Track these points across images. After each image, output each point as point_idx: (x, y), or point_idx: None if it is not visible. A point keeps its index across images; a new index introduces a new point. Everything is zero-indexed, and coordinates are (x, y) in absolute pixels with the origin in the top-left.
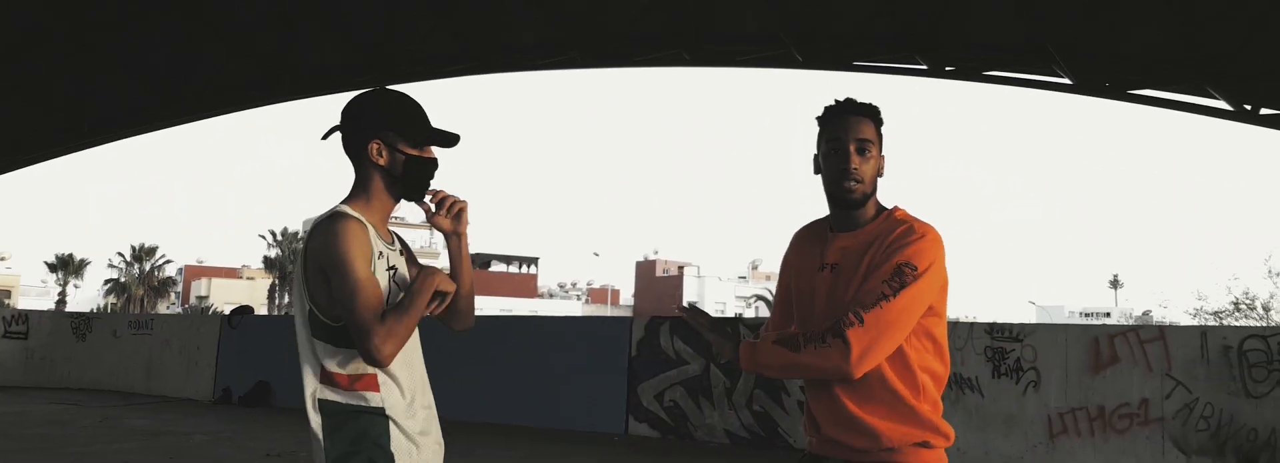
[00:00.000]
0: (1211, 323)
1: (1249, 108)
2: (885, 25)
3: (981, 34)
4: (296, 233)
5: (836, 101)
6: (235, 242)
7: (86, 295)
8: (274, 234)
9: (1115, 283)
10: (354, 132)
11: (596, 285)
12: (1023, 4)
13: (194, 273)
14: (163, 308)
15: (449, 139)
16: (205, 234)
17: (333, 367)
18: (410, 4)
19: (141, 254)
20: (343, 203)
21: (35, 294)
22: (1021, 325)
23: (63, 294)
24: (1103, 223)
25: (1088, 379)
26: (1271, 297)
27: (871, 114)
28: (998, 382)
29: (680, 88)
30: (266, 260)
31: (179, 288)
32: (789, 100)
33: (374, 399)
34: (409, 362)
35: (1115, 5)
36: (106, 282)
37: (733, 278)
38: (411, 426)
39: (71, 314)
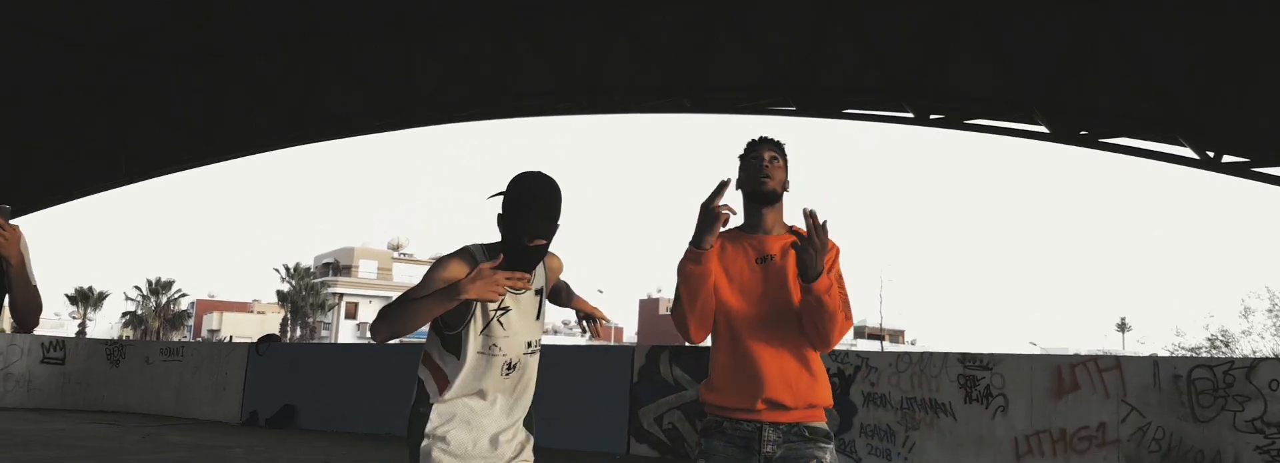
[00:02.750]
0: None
1: (1212, 156)
2: (873, 77)
3: (964, 85)
4: (309, 268)
5: (752, 139)
6: (249, 276)
7: (102, 328)
8: (287, 268)
9: (1123, 326)
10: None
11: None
12: (1000, 59)
13: (206, 307)
14: (177, 340)
15: (528, 235)
16: (220, 269)
17: (437, 360)
18: (425, 55)
19: (158, 288)
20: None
21: (50, 326)
22: (991, 355)
23: (82, 327)
24: (1107, 267)
25: (1051, 404)
26: (1244, 333)
27: (777, 146)
28: (969, 407)
29: (682, 132)
30: (279, 294)
31: (191, 321)
32: (788, 144)
33: (433, 395)
34: (492, 401)
35: (1089, 60)
36: (124, 315)
37: None
38: (457, 435)
39: (107, 341)
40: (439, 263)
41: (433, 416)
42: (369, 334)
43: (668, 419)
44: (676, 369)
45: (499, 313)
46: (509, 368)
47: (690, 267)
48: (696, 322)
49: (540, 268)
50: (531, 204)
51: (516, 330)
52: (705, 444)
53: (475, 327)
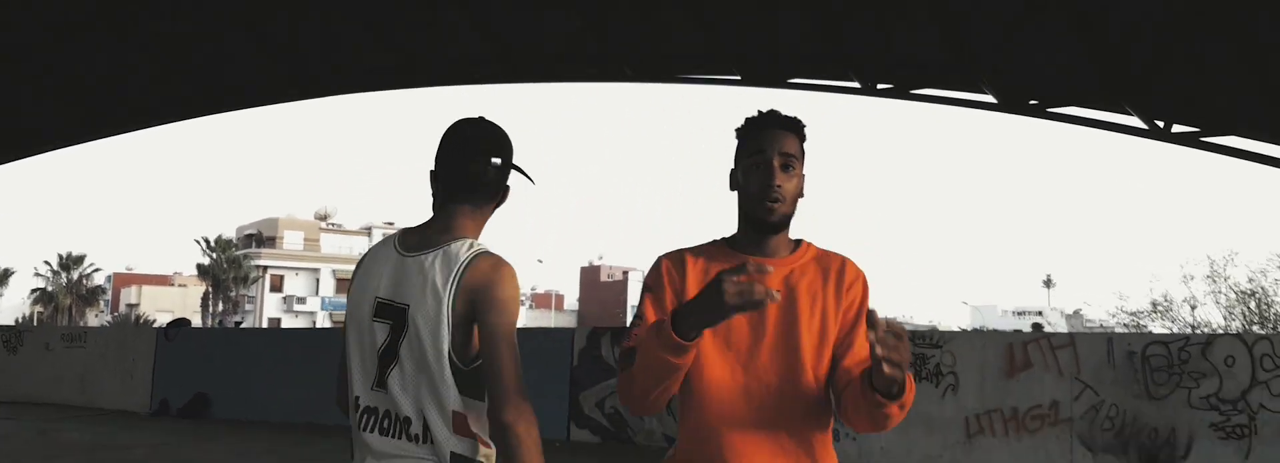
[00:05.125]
0: (1127, 327)
1: (1161, 125)
2: (819, 45)
3: (911, 53)
4: (230, 241)
5: (760, 113)
6: (166, 249)
7: (10, 304)
8: (207, 241)
9: (1048, 282)
10: (510, 161)
11: (541, 291)
12: (948, 25)
13: (123, 281)
14: (92, 317)
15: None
16: (137, 242)
17: (462, 407)
18: (341, 18)
19: (69, 263)
20: (472, 237)
21: None
22: (942, 333)
23: None
24: (1036, 228)
25: (1002, 383)
26: (1185, 300)
27: (796, 128)
28: (919, 386)
29: (618, 99)
30: (200, 268)
31: (108, 296)
32: (726, 112)
33: (485, 455)
34: None
35: (1035, 30)
36: (33, 291)
37: None
38: None
39: (2, 328)
40: (515, 286)
41: None
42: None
43: (609, 404)
44: (619, 351)
45: None
46: None
47: (665, 356)
48: (645, 406)
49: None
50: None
51: None
52: None
53: None
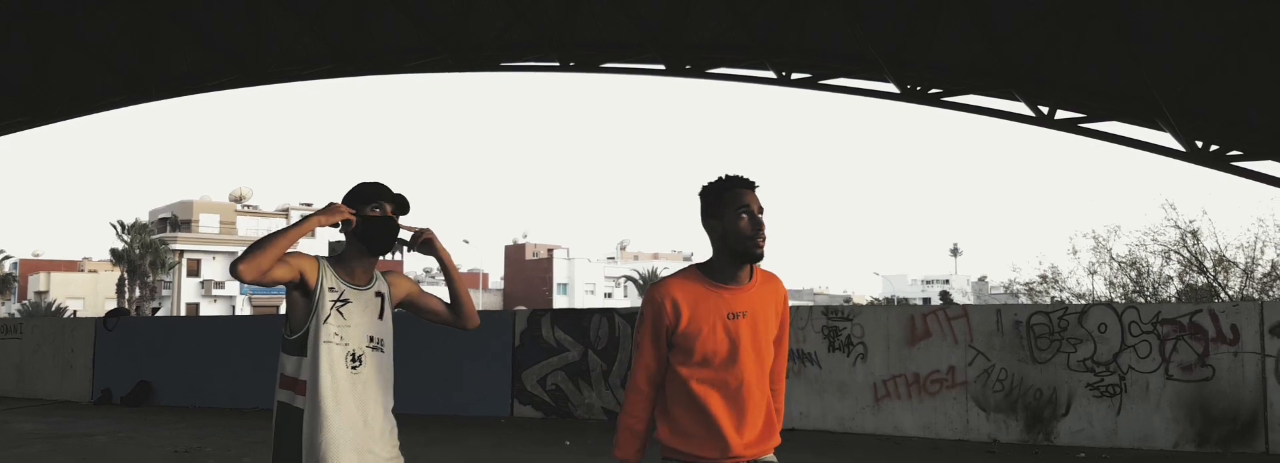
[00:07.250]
0: (1014, 299)
1: (1045, 111)
2: (738, 35)
3: (821, 44)
4: (145, 225)
5: (736, 176)
6: (75, 234)
7: None
8: (121, 225)
9: (955, 251)
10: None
11: (465, 271)
12: (855, 18)
13: (30, 267)
14: (4, 314)
15: (395, 201)
16: (42, 227)
17: (285, 370)
18: (277, 8)
19: None
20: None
21: None
22: (851, 307)
23: None
24: (943, 202)
25: (906, 351)
26: (1070, 273)
27: (755, 187)
28: (832, 355)
29: (543, 82)
30: (114, 253)
31: (16, 284)
32: (646, 99)
33: (298, 401)
34: (341, 401)
35: (933, 20)
36: None
37: (602, 259)
38: (330, 437)
39: None
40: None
41: (304, 427)
42: (234, 271)
43: (551, 381)
44: (559, 332)
45: (339, 304)
46: (353, 360)
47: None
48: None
49: (381, 277)
50: (369, 187)
51: (357, 322)
52: None
53: (320, 315)
